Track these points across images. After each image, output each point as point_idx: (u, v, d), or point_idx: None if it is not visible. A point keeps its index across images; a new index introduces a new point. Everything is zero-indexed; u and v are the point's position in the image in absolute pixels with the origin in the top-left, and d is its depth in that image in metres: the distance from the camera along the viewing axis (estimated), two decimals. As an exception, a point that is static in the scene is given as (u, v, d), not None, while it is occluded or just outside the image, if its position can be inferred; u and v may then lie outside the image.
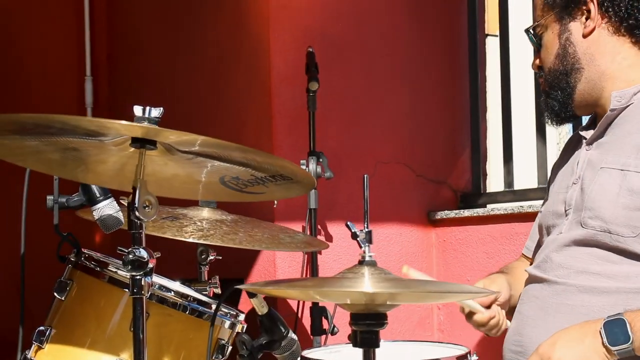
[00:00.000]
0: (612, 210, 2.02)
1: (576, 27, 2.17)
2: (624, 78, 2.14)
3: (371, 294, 1.54)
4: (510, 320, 2.27)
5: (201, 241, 2.50)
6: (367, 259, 1.61)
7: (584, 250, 2.08)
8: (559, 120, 2.25)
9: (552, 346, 1.91)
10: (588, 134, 2.19)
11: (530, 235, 2.48)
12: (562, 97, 2.19)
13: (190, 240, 2.47)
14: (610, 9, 2.13)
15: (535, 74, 2.34)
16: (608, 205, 2.03)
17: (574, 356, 1.89)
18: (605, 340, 1.88)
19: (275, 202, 3.48)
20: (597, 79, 2.16)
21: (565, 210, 2.16)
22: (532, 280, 2.21)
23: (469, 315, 2.26)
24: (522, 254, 2.51)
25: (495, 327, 2.25)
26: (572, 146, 2.32)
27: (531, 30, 2.26)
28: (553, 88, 2.21)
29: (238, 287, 1.76)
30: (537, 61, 2.28)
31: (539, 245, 2.32)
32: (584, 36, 2.16)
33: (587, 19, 2.16)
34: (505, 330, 2.27)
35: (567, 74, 2.18)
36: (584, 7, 2.15)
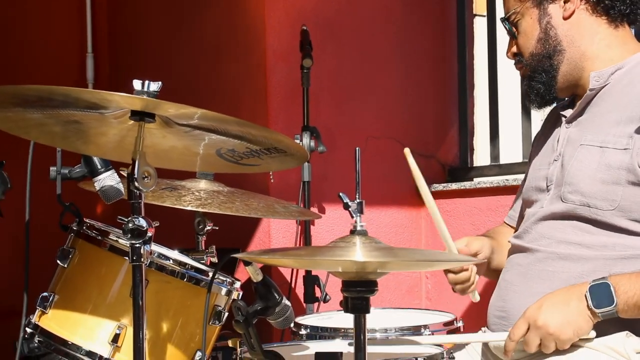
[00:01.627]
0: (591, 185, 2.03)
1: (556, 11, 2.17)
2: (602, 58, 2.14)
3: (362, 262, 1.54)
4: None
5: (199, 209, 2.50)
6: (358, 228, 1.62)
7: (564, 223, 2.09)
8: (543, 103, 2.25)
9: (538, 309, 1.92)
10: (567, 113, 2.20)
11: (513, 206, 2.49)
12: (546, 79, 2.19)
13: (189, 208, 2.47)
14: None
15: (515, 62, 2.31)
16: (587, 180, 2.04)
17: (559, 318, 1.90)
18: (590, 303, 1.89)
19: (272, 176, 3.48)
20: (578, 59, 2.16)
21: (547, 186, 2.17)
22: (514, 249, 2.22)
23: (446, 271, 2.24)
24: (504, 222, 2.52)
25: (464, 281, 2.22)
26: (551, 123, 2.32)
27: (507, 19, 2.24)
28: (537, 71, 2.20)
29: (234, 255, 1.76)
30: (514, 48, 2.26)
31: (521, 217, 2.32)
32: (565, 19, 2.16)
33: (565, 2, 2.15)
34: (488, 299, 2.28)
35: (550, 57, 2.18)
36: None
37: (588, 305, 1.90)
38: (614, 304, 1.88)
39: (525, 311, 1.96)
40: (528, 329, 1.93)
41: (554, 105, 2.32)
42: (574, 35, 2.16)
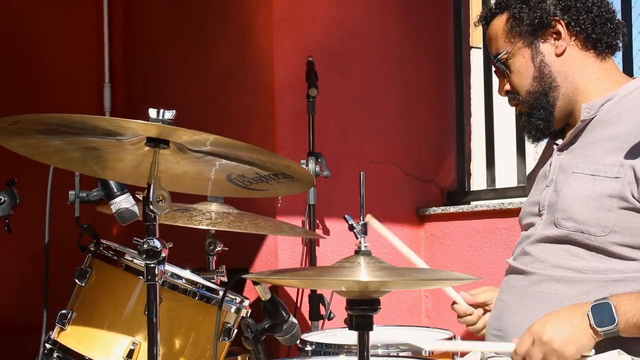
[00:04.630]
0: (584, 212, 2.02)
1: (548, 49, 2.15)
2: (592, 90, 2.13)
3: (365, 282, 1.54)
4: None
5: (210, 228, 2.49)
6: (362, 249, 1.62)
7: (558, 247, 2.08)
8: (542, 137, 2.23)
9: (543, 326, 1.92)
10: (559, 141, 2.19)
11: None
12: (545, 115, 2.17)
13: (200, 227, 2.47)
14: (577, 27, 2.12)
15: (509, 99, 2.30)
16: (580, 207, 2.03)
17: (563, 336, 1.89)
18: (592, 322, 1.88)
19: (280, 201, 3.48)
20: (572, 93, 2.15)
21: (540, 210, 2.16)
22: (511, 271, 2.21)
23: (454, 303, 2.30)
24: None
25: (471, 323, 2.28)
26: (543, 154, 2.32)
27: (498, 59, 2.21)
28: (535, 108, 2.17)
29: (244, 276, 1.76)
30: (507, 87, 2.24)
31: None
32: (557, 55, 2.15)
33: (556, 39, 2.15)
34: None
35: (546, 94, 2.16)
36: (552, 30, 2.14)
37: (590, 324, 1.88)
38: (615, 323, 1.87)
39: (531, 326, 1.94)
40: (533, 343, 1.92)
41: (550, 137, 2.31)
42: (567, 71, 2.15)
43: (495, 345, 2.15)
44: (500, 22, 2.22)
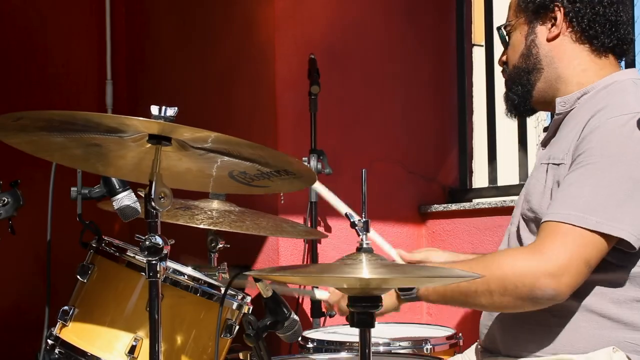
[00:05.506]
0: (540, 200, 2.03)
1: (542, 31, 2.18)
2: (575, 82, 2.14)
3: (367, 279, 1.54)
4: None
5: (211, 227, 2.50)
6: (364, 246, 1.62)
7: (529, 237, 2.09)
8: (518, 113, 2.28)
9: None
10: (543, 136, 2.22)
11: None
12: (521, 92, 2.21)
13: (201, 226, 2.47)
14: (574, 19, 2.14)
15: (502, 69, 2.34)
16: (538, 196, 2.04)
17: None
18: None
19: (282, 197, 3.48)
20: (554, 80, 2.17)
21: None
22: None
23: None
24: None
25: None
26: None
27: (502, 28, 2.27)
28: (514, 83, 2.22)
29: (246, 273, 1.76)
30: (504, 57, 2.29)
31: None
32: (548, 40, 2.17)
33: (552, 25, 2.16)
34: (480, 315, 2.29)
35: (528, 72, 2.19)
36: (552, 15, 2.16)
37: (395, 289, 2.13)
38: (415, 289, 2.12)
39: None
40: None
41: (530, 116, 2.34)
42: (554, 57, 2.16)
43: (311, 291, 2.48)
44: None
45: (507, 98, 2.26)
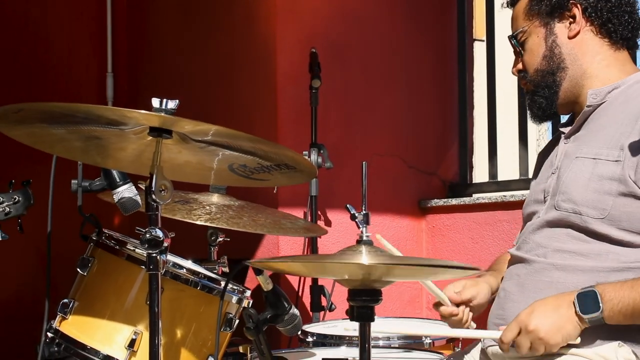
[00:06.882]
0: (583, 194, 2.02)
1: (561, 30, 2.18)
2: (601, 77, 2.15)
3: (367, 267, 1.54)
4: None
5: (208, 224, 2.49)
6: (364, 238, 1.62)
7: (559, 231, 2.08)
8: (544, 117, 2.25)
9: (529, 315, 1.93)
10: (566, 130, 2.20)
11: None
12: (548, 94, 2.20)
13: (198, 222, 2.46)
14: (593, 14, 2.14)
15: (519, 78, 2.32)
16: (580, 189, 2.04)
17: (549, 324, 1.90)
18: (577, 309, 1.89)
19: (275, 188, 3.47)
20: (579, 77, 2.17)
21: (544, 198, 2.17)
22: (514, 260, 2.21)
23: (436, 305, 2.25)
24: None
25: (457, 323, 2.22)
26: (552, 141, 2.33)
27: (515, 37, 2.26)
28: (540, 86, 2.21)
29: (247, 262, 1.76)
30: (519, 65, 2.27)
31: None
32: (570, 38, 2.17)
33: (571, 23, 2.17)
34: (489, 307, 2.27)
35: (553, 73, 2.18)
36: (569, 13, 2.16)
37: (576, 312, 1.90)
38: (600, 310, 1.88)
39: (518, 315, 1.96)
40: (519, 332, 1.93)
41: (552, 120, 2.32)
42: (577, 54, 2.17)
43: (482, 332, 2.16)
44: (523, 3, 2.24)
45: (533, 102, 2.22)
